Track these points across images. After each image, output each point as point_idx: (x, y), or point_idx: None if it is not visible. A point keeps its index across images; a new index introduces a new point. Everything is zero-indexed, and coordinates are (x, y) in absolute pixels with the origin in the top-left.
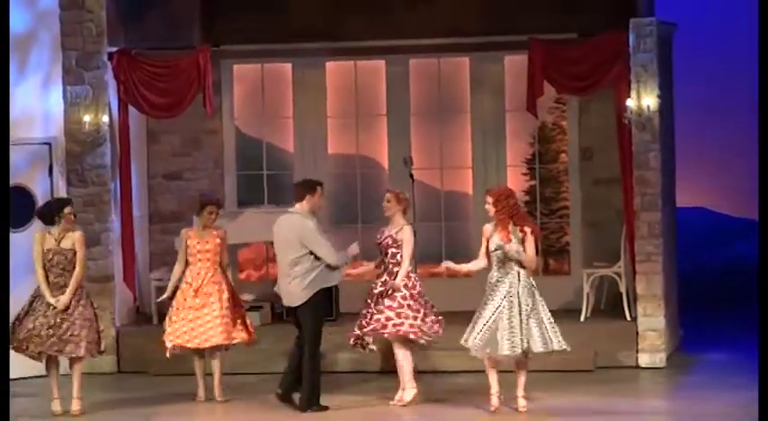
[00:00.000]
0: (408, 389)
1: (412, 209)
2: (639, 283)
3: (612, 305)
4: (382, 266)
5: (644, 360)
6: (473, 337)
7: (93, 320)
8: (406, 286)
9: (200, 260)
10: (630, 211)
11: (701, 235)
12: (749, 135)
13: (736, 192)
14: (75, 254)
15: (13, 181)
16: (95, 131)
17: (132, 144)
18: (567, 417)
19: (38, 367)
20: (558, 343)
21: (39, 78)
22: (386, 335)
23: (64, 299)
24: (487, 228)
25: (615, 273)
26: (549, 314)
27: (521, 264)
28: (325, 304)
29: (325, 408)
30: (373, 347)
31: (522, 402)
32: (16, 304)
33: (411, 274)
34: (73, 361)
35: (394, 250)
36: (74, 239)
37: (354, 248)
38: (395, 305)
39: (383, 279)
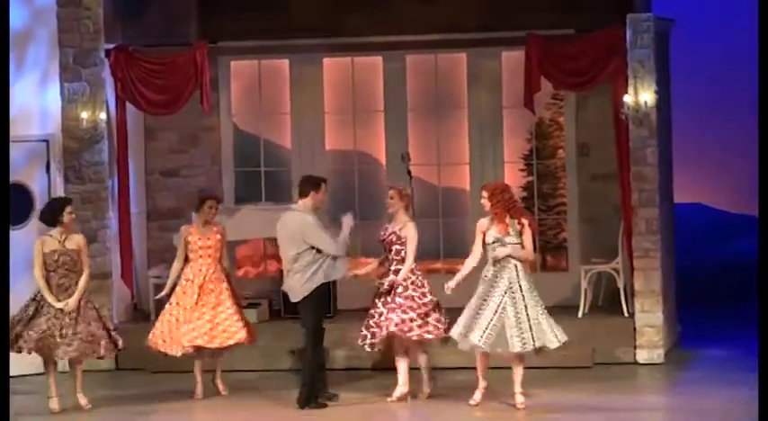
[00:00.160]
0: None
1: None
2: (637, 279)
3: (610, 301)
4: (386, 263)
5: (642, 356)
6: (478, 336)
7: (99, 319)
8: (413, 283)
9: (201, 256)
10: (628, 207)
11: (700, 231)
12: (749, 135)
13: (735, 190)
14: (79, 254)
15: (10, 178)
16: (93, 128)
17: (130, 141)
18: (565, 414)
19: (37, 365)
20: (562, 335)
21: (36, 75)
22: (413, 338)
23: (72, 302)
24: (482, 222)
25: (613, 269)
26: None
27: (513, 257)
28: (325, 300)
29: (324, 406)
30: (380, 347)
31: (519, 398)
32: (15, 302)
33: (416, 272)
34: (75, 359)
35: (398, 247)
36: (78, 241)
37: (348, 220)
38: (414, 306)
39: (390, 278)
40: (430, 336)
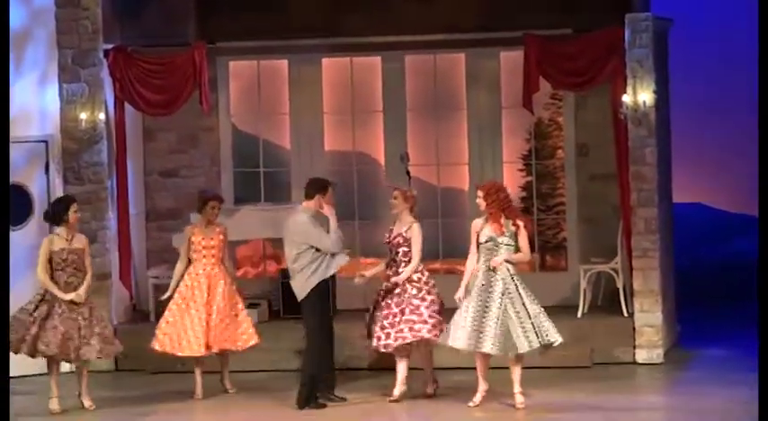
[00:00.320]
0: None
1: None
2: (636, 279)
3: (609, 301)
4: (393, 265)
5: (641, 356)
6: (489, 345)
7: (103, 320)
8: (426, 283)
9: (204, 256)
10: (627, 207)
11: (699, 230)
12: (749, 134)
13: (735, 189)
14: (84, 253)
15: (10, 179)
16: (92, 129)
17: (128, 141)
18: (564, 414)
19: (37, 365)
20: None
21: (35, 76)
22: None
23: (82, 292)
24: (476, 222)
25: (612, 269)
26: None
27: (508, 261)
28: (326, 300)
29: (323, 406)
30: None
31: (519, 398)
32: (16, 302)
33: (425, 271)
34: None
35: (405, 248)
36: (83, 241)
37: (328, 210)
38: (430, 307)
39: (395, 278)
40: (438, 338)
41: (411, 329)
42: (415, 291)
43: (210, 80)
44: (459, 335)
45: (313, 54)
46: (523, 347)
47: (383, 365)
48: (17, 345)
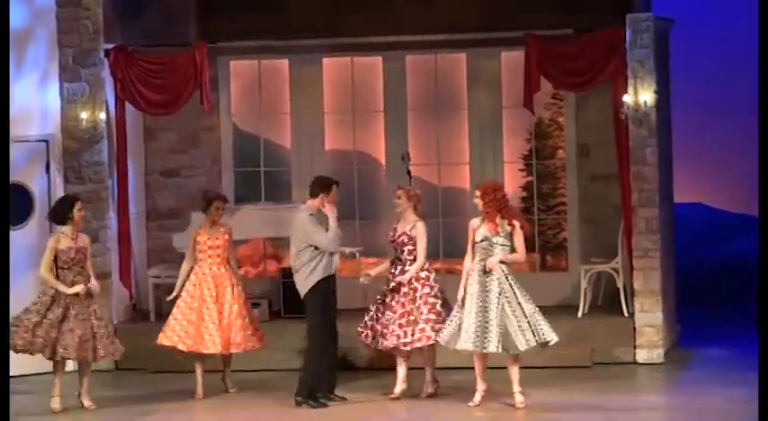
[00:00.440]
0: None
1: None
2: (637, 279)
3: (610, 301)
4: (398, 264)
5: (641, 356)
6: (494, 346)
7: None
8: (429, 279)
9: (209, 256)
10: (628, 207)
11: (700, 231)
12: (749, 134)
13: (735, 189)
14: (88, 252)
15: (10, 178)
16: (92, 128)
17: (129, 141)
18: (565, 414)
19: (36, 365)
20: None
21: (36, 75)
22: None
23: (95, 281)
24: (474, 221)
25: (612, 269)
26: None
27: (502, 261)
28: (328, 299)
29: (324, 405)
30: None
31: (519, 398)
32: (16, 301)
33: (431, 270)
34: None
35: (410, 247)
36: (86, 240)
37: (329, 210)
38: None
39: (400, 278)
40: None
41: (433, 328)
42: (427, 290)
43: (211, 80)
44: (464, 337)
45: (314, 54)
46: (522, 346)
47: (383, 365)
48: (40, 348)
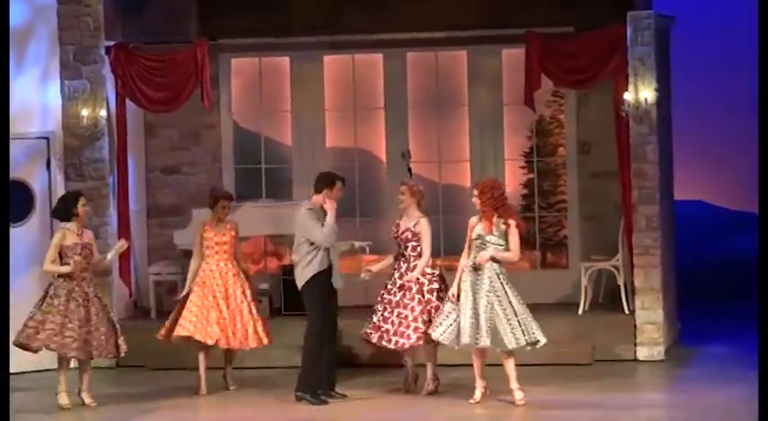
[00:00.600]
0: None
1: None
2: (637, 276)
3: (611, 298)
4: (402, 260)
5: (642, 353)
6: (486, 338)
7: None
8: (434, 275)
9: (217, 252)
10: (628, 204)
11: (700, 228)
12: (750, 132)
13: (736, 187)
14: (93, 247)
15: (11, 175)
16: (93, 126)
17: (130, 138)
18: (565, 411)
19: (36, 362)
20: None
21: (36, 73)
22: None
23: (109, 256)
24: (473, 220)
25: (613, 267)
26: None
27: (494, 259)
28: (327, 295)
29: (325, 402)
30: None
31: (518, 394)
32: (16, 300)
33: (436, 266)
34: (66, 357)
35: (414, 243)
36: (90, 236)
37: (330, 205)
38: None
39: (408, 275)
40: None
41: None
42: (435, 285)
43: (212, 77)
44: (462, 334)
45: (314, 51)
46: (511, 344)
47: (383, 362)
48: (68, 349)
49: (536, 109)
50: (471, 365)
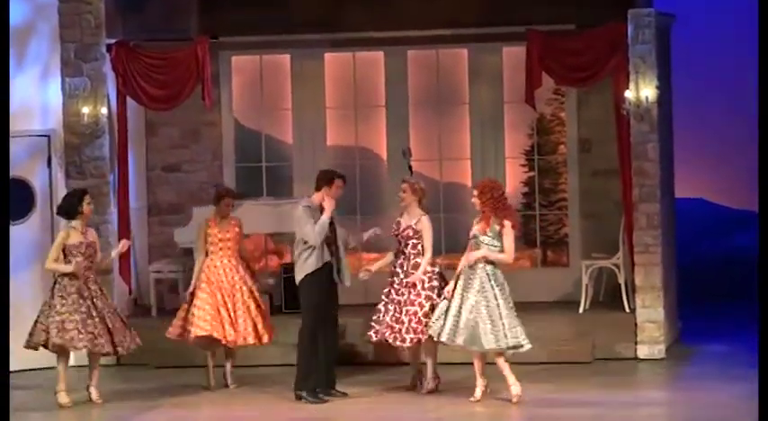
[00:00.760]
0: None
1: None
2: (638, 275)
3: (611, 296)
4: (402, 258)
5: (643, 351)
6: (460, 336)
7: None
8: (434, 272)
9: (221, 249)
10: (629, 203)
11: (701, 226)
12: (750, 130)
13: (736, 185)
14: (97, 246)
15: (11, 173)
16: (94, 123)
17: (130, 136)
18: (565, 409)
19: (35, 360)
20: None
21: (37, 70)
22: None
23: (114, 253)
24: (475, 220)
25: (614, 265)
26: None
27: (489, 260)
28: (324, 292)
29: (322, 401)
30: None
31: (514, 390)
32: (17, 297)
33: (434, 266)
34: (98, 353)
35: (415, 241)
36: (94, 234)
37: (328, 203)
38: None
39: (407, 270)
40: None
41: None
42: (435, 283)
43: (213, 75)
44: (443, 330)
45: (315, 49)
46: (489, 344)
47: (383, 360)
48: (101, 345)
49: (537, 107)
50: (472, 364)
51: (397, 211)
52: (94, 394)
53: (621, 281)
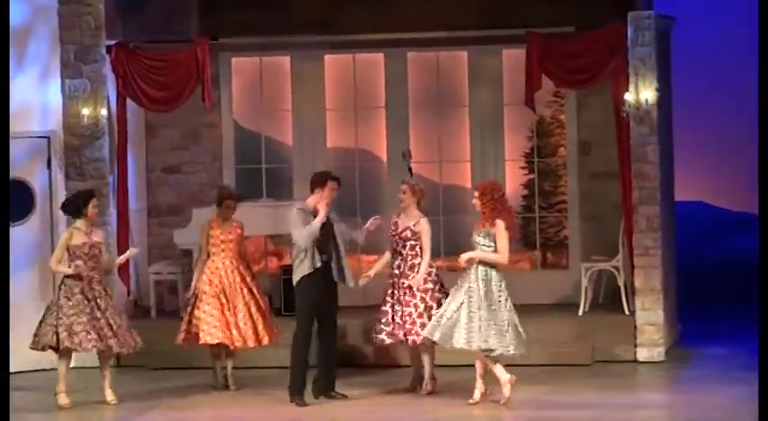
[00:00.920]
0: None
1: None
2: (638, 277)
3: (611, 299)
4: (399, 259)
5: (642, 354)
6: (437, 332)
7: None
8: (432, 274)
9: (223, 250)
10: (629, 205)
11: (701, 229)
12: (751, 133)
13: (736, 187)
14: (101, 248)
15: (11, 174)
16: (94, 125)
17: (130, 137)
18: (565, 411)
19: (35, 361)
20: (519, 346)
21: (37, 72)
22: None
23: (122, 258)
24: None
25: (613, 267)
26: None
27: (483, 262)
28: (313, 295)
29: (304, 405)
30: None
31: (506, 390)
32: (16, 297)
33: (431, 268)
34: (108, 353)
35: (413, 242)
36: (100, 235)
37: (322, 206)
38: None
39: (403, 271)
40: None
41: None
42: (431, 285)
43: (213, 76)
44: (438, 328)
45: (315, 50)
46: (458, 343)
47: (383, 362)
48: (115, 345)
49: (536, 109)
50: (470, 366)
51: (396, 211)
52: (110, 395)
53: (621, 283)
